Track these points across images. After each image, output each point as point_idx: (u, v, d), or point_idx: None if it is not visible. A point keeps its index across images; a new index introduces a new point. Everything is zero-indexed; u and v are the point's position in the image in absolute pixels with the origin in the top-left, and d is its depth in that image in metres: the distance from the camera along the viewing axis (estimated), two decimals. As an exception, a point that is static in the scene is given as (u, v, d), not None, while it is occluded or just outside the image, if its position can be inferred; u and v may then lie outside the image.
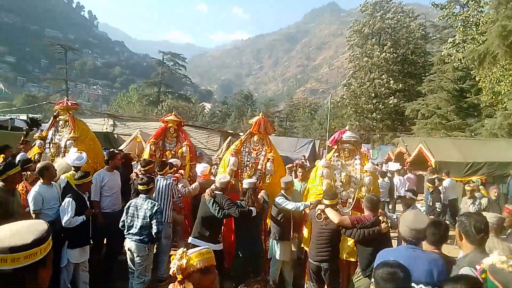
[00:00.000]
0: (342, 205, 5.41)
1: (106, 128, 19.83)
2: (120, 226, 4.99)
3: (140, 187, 4.91)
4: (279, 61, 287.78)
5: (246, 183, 5.21)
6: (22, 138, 7.71)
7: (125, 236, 4.92)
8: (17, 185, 5.01)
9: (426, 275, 2.67)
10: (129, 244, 4.85)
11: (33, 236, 1.47)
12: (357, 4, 46.05)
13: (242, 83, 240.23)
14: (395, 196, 11.52)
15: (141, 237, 4.75)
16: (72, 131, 6.84)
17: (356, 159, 5.69)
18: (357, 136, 6.01)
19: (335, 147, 5.89)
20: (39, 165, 5.02)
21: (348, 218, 4.42)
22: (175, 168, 6.69)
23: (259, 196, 5.27)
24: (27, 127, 8.30)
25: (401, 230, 3.06)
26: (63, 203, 4.69)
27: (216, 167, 8.42)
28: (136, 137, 14.91)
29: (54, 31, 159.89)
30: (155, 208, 4.76)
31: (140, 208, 4.80)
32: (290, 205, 5.26)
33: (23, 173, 5.17)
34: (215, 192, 5.04)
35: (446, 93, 27.34)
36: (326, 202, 4.67)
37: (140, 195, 4.92)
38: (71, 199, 4.68)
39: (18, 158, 6.50)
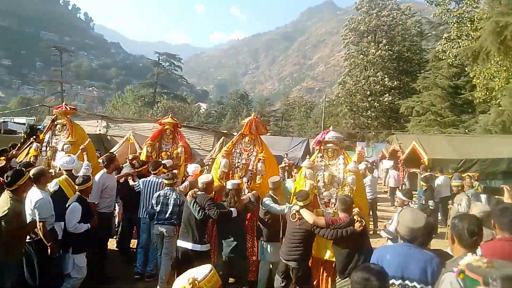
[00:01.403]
0: (325, 205, 5.36)
1: (100, 130, 19.70)
2: (144, 215, 5.85)
3: (166, 181, 5.74)
4: (275, 60, 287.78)
5: (229, 184, 5.15)
6: (19, 144, 7.66)
7: (155, 223, 5.61)
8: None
9: (420, 274, 2.66)
10: (161, 228, 5.54)
11: None
12: (353, 2, 46.04)
13: (239, 83, 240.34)
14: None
15: (171, 221, 5.52)
16: (70, 135, 7.03)
17: (340, 159, 5.63)
18: (341, 136, 5.97)
19: (318, 148, 5.84)
20: (34, 170, 4.75)
21: (323, 219, 4.41)
22: (168, 169, 6.87)
23: (244, 197, 5.23)
24: (25, 136, 8.31)
25: (399, 229, 3.01)
26: (71, 208, 4.69)
27: (208, 168, 8.39)
28: (128, 138, 14.81)
29: (49, 34, 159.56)
30: (182, 197, 5.60)
31: (169, 197, 5.59)
32: (275, 208, 5.21)
33: None
34: (197, 193, 4.98)
35: (441, 90, 27.32)
36: (299, 203, 4.66)
37: (166, 187, 5.70)
38: (78, 203, 4.72)
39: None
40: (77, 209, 4.67)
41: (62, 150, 6.86)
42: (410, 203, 5.25)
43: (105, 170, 6.14)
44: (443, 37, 29.28)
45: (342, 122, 41.73)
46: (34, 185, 4.54)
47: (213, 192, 5.72)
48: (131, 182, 6.52)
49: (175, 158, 7.76)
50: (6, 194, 4.22)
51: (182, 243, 4.89)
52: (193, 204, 4.80)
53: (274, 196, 5.45)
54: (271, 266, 5.46)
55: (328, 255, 5.03)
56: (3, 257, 4.07)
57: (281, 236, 5.50)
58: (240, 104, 72.65)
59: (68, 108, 7.46)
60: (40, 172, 4.67)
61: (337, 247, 4.32)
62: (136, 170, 6.79)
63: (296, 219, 4.61)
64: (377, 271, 2.19)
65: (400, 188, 14.36)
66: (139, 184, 6.30)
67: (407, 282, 2.65)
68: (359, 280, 2.12)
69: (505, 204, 3.68)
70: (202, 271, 2.14)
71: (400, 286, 2.67)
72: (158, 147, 8.03)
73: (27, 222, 4.34)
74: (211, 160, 10.46)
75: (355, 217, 4.25)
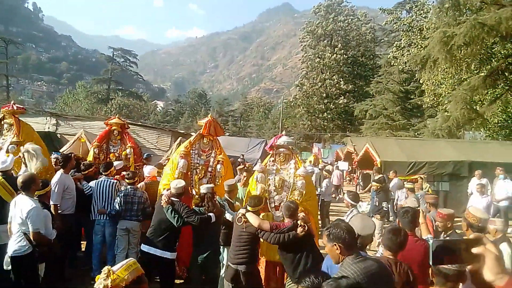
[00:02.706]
0: (276, 209, 5.37)
1: (49, 128, 18.75)
2: (113, 213, 5.77)
3: (127, 181, 5.94)
4: (234, 59, 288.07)
5: (204, 188, 5.07)
6: None
7: (124, 219, 5.75)
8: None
9: None
10: (128, 224, 5.74)
11: None
12: (310, 5, 46.95)
13: (197, 81, 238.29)
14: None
15: (138, 217, 5.81)
16: (16, 135, 6.75)
17: (291, 163, 5.68)
18: (292, 141, 6.03)
19: (271, 152, 5.87)
20: (22, 177, 4.33)
21: (267, 223, 4.40)
22: (118, 171, 6.86)
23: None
24: None
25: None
26: (45, 215, 4.32)
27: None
28: (80, 137, 14.21)
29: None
30: (145, 195, 5.95)
31: (134, 196, 5.78)
32: (228, 215, 5.17)
33: None
34: (171, 199, 4.85)
35: (392, 95, 28.61)
36: (249, 208, 4.64)
37: (129, 186, 5.88)
38: (47, 210, 4.50)
39: None
40: (49, 216, 4.44)
41: (7, 151, 6.49)
42: (357, 206, 5.40)
43: (62, 170, 5.93)
44: (395, 45, 30.66)
45: (299, 123, 42.51)
46: (23, 192, 4.19)
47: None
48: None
49: (124, 159, 7.57)
50: None
51: (150, 249, 4.72)
52: (171, 212, 4.69)
53: (230, 200, 5.42)
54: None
55: (272, 256, 5.06)
56: None
57: None
58: (198, 103, 71.99)
59: (16, 108, 7.04)
60: (30, 179, 4.29)
61: (282, 251, 4.31)
62: (83, 173, 6.58)
63: (241, 223, 4.60)
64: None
65: (342, 185, 15.38)
66: (90, 187, 6.15)
67: None
68: None
69: (406, 207, 4.16)
70: (119, 263, 2.18)
71: None
72: (105, 148, 7.83)
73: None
74: (167, 160, 10.23)
75: (299, 222, 4.25)
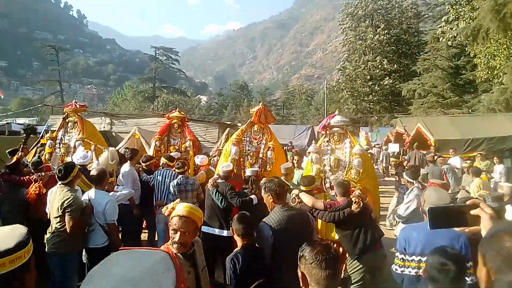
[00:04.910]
0: (331, 189, 5.37)
1: (104, 127, 19.74)
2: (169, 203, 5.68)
3: (177, 170, 5.94)
4: (272, 48, 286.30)
5: (248, 171, 5.28)
6: (21, 144, 7.80)
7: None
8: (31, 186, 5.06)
9: None
10: None
11: (15, 240, 1.47)
12: (348, -14, 45.54)
13: (237, 74, 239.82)
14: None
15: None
16: (81, 132, 7.26)
17: (346, 142, 5.69)
18: (346, 120, 6.03)
19: (324, 132, 5.90)
20: (95, 171, 4.48)
21: (321, 202, 4.40)
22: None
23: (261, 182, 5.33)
24: (24, 134, 8.49)
25: (426, 208, 3.05)
26: (112, 204, 4.33)
27: (215, 159, 8.48)
28: (134, 134, 14.91)
29: (43, 33, 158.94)
30: (196, 181, 6.02)
31: (186, 184, 5.86)
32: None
33: (38, 174, 5.28)
34: (217, 181, 5.08)
35: (441, 71, 27.27)
36: (302, 188, 4.72)
37: (180, 175, 5.88)
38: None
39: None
40: (115, 203, 4.48)
41: (75, 147, 7.04)
42: (415, 183, 5.26)
43: (129, 162, 6.25)
44: (442, 19, 29.14)
45: (344, 108, 41.61)
46: (95, 187, 4.36)
47: None
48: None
49: (183, 152, 7.80)
50: (62, 187, 4.13)
51: (208, 229, 4.96)
52: (215, 194, 4.91)
53: (286, 182, 5.53)
54: None
55: (337, 236, 5.12)
56: (70, 249, 4.07)
57: None
58: (240, 95, 72.45)
59: (78, 106, 7.64)
60: (102, 173, 4.44)
61: (339, 230, 4.34)
62: (144, 165, 6.75)
63: (296, 203, 4.63)
64: (454, 255, 2.20)
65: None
66: (153, 178, 6.33)
67: None
68: (435, 265, 2.15)
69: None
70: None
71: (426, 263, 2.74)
72: (166, 141, 8.14)
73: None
74: (217, 151, 10.52)
75: (353, 199, 4.25)
